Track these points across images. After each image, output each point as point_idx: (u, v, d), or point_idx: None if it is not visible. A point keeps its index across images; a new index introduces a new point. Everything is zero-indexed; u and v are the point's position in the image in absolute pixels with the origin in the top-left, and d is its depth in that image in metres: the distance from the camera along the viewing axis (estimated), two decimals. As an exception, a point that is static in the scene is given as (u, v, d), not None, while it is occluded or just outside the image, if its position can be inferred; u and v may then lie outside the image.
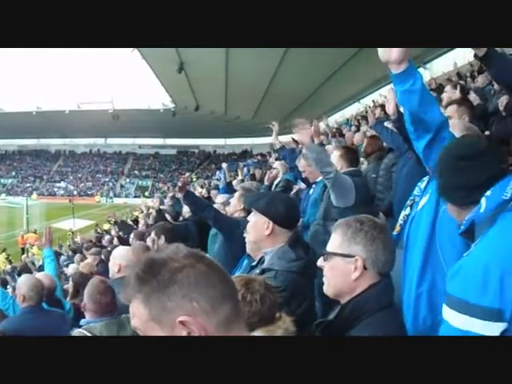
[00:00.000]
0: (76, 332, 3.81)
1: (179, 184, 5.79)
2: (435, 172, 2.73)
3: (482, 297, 1.84)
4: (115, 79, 63.24)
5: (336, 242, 2.41)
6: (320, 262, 2.47)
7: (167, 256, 1.35)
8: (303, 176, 6.45)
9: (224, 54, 23.98)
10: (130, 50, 28.43)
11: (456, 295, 1.92)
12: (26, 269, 17.22)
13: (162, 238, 5.78)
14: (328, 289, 2.43)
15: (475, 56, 3.15)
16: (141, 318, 1.33)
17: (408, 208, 3.40)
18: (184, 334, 1.28)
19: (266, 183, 8.50)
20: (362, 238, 2.35)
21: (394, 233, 3.54)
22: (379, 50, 2.53)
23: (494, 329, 1.83)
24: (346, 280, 2.34)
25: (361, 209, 5.15)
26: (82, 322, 3.99)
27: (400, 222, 3.50)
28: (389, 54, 2.52)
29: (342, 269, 2.36)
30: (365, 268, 2.33)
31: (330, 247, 2.44)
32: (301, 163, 6.25)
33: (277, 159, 16.20)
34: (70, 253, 19.95)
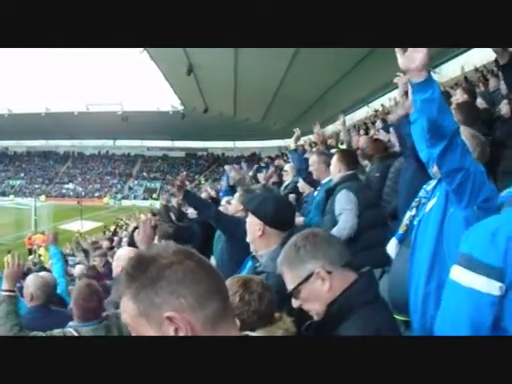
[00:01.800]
0: (66, 330, 3.79)
1: (177, 183, 5.75)
2: (448, 176, 2.89)
3: (488, 254, 2.09)
4: (124, 81, 63.53)
5: (290, 276, 2.39)
6: (295, 304, 2.42)
7: (156, 253, 1.38)
8: (311, 171, 6.42)
9: (233, 55, 24.02)
10: (139, 51, 28.55)
11: (465, 251, 2.17)
12: (30, 271, 17.31)
13: (162, 242, 5.77)
14: (317, 315, 2.39)
15: (496, 63, 3.18)
16: (130, 314, 1.35)
17: (414, 209, 3.49)
18: (171, 329, 1.30)
19: (262, 182, 8.51)
20: (305, 252, 2.34)
21: (400, 232, 3.63)
22: (400, 57, 2.59)
23: (493, 287, 2.06)
24: (324, 294, 2.32)
25: (369, 212, 5.18)
26: (70, 324, 3.97)
27: (406, 221, 3.58)
28: (410, 63, 2.58)
29: (314, 290, 2.34)
30: (329, 272, 2.31)
31: (290, 285, 2.39)
32: (312, 158, 6.23)
33: (266, 164, 16.13)
34: (78, 254, 19.99)
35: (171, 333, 1.30)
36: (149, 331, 1.32)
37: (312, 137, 8.43)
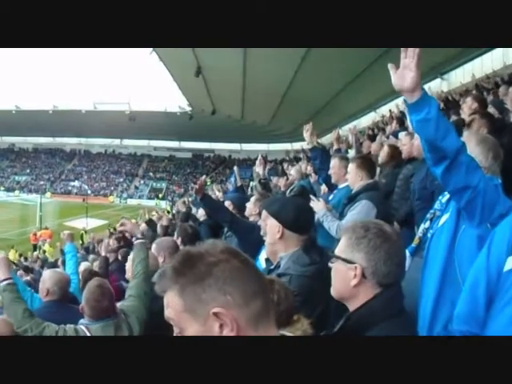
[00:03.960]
0: (78, 327, 3.81)
1: (196, 187, 5.77)
2: (455, 195, 2.83)
3: None
4: (133, 81, 63.39)
5: (341, 245, 2.38)
6: (330, 263, 2.45)
7: (204, 250, 1.42)
8: (330, 173, 6.35)
9: (242, 58, 24.05)
10: (148, 52, 28.64)
11: None
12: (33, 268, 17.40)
13: (179, 239, 5.83)
14: (332, 291, 2.43)
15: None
16: (175, 309, 1.39)
17: (428, 221, 3.40)
18: (217, 325, 1.33)
19: (282, 189, 8.46)
20: (365, 245, 2.29)
21: (413, 244, 3.57)
22: (393, 78, 2.59)
23: None
24: (346, 285, 2.32)
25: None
26: (81, 322, 3.98)
27: (419, 234, 3.51)
28: (401, 83, 2.57)
29: (343, 273, 2.33)
30: (364, 277, 2.28)
31: (337, 250, 2.41)
32: (334, 162, 6.17)
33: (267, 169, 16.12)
34: (83, 251, 19.99)
35: (216, 328, 1.33)
36: (192, 326, 1.36)
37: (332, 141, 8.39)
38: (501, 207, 2.76)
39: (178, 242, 5.77)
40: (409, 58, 2.53)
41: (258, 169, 9.68)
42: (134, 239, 4.82)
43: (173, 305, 1.39)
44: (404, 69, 2.55)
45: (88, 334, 3.76)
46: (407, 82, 2.55)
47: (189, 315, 1.36)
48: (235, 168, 11.93)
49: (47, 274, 5.24)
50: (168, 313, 1.41)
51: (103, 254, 8.71)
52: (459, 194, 2.77)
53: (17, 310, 3.84)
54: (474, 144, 3.11)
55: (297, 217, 3.36)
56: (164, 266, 4.40)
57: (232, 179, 13.53)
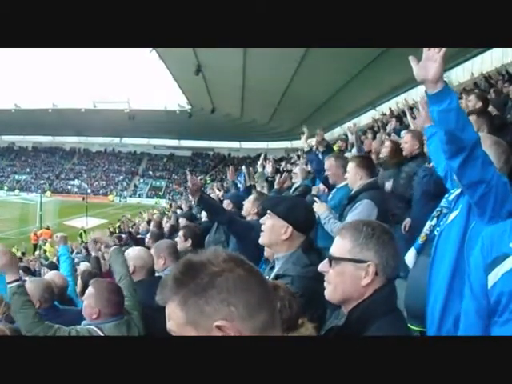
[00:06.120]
0: (90, 329, 3.77)
1: (194, 188, 5.70)
2: (469, 188, 2.86)
3: None
4: (132, 79, 63.32)
5: (346, 246, 2.27)
6: (323, 267, 2.34)
7: (206, 259, 1.35)
8: (327, 174, 6.32)
9: (242, 57, 24.03)
10: (148, 50, 28.62)
11: None
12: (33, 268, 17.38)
13: (189, 241, 5.79)
14: (334, 295, 2.31)
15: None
16: (177, 321, 1.33)
17: (435, 219, 3.43)
18: None
19: (276, 187, 8.45)
20: (375, 243, 2.24)
21: (420, 242, 3.58)
22: (415, 68, 2.63)
23: None
24: (356, 286, 2.23)
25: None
26: (89, 323, 3.88)
27: (426, 232, 3.53)
28: (425, 73, 2.60)
29: (352, 274, 2.23)
30: (375, 274, 2.22)
31: (337, 252, 2.30)
32: (329, 162, 6.13)
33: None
34: (84, 251, 19.92)
35: None
36: None
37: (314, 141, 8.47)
38: (510, 204, 2.82)
39: (188, 244, 5.77)
40: (433, 49, 2.57)
41: (266, 167, 9.71)
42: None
43: (174, 317, 1.33)
44: (427, 60, 2.59)
45: (101, 334, 3.73)
46: (431, 73, 2.59)
47: (191, 328, 1.31)
48: (244, 168, 11.93)
49: (32, 285, 4.80)
50: (170, 325, 1.35)
51: (93, 254, 8.64)
52: (473, 187, 2.81)
53: (27, 314, 3.71)
54: (488, 145, 3.12)
55: (306, 217, 3.35)
56: (166, 273, 4.42)
57: (241, 179, 13.46)
